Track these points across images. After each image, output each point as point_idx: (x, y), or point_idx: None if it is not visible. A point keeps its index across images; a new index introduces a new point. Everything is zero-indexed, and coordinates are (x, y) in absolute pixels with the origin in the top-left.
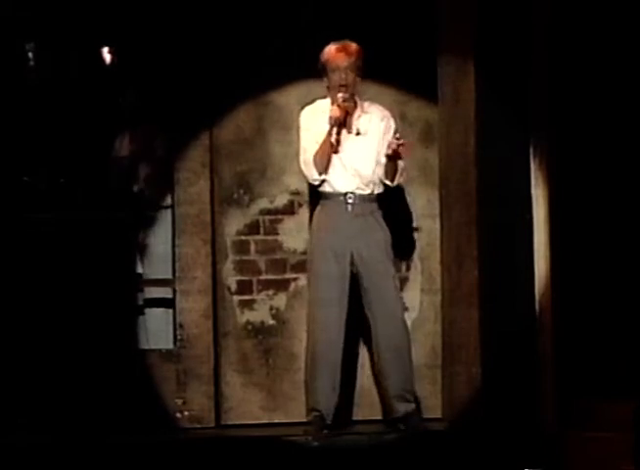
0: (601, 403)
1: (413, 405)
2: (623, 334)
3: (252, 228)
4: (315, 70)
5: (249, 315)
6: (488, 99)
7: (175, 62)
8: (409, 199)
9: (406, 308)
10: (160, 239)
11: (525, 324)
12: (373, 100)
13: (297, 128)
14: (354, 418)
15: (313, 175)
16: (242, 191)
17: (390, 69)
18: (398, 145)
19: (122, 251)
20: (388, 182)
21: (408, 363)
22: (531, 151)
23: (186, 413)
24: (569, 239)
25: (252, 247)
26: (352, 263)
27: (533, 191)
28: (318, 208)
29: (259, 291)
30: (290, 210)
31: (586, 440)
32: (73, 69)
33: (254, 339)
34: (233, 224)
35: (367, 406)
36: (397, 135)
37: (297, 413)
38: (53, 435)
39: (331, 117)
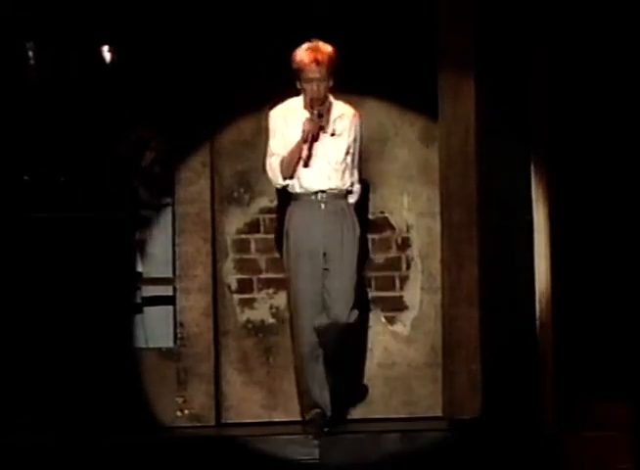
0: (601, 403)
1: (319, 411)
2: (623, 334)
3: (253, 227)
4: None
5: (249, 314)
6: (489, 100)
7: (176, 61)
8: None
9: (406, 307)
10: (160, 238)
11: (525, 324)
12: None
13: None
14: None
15: (278, 180)
16: (242, 190)
17: (391, 79)
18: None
19: (122, 250)
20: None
21: (339, 362)
22: (532, 152)
23: (186, 412)
24: (569, 240)
25: (253, 245)
26: (325, 261)
27: (534, 192)
28: (290, 208)
29: (260, 289)
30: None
31: (586, 439)
32: (74, 68)
33: (255, 337)
34: (233, 223)
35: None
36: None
37: (298, 411)
38: (53, 435)
39: (304, 131)
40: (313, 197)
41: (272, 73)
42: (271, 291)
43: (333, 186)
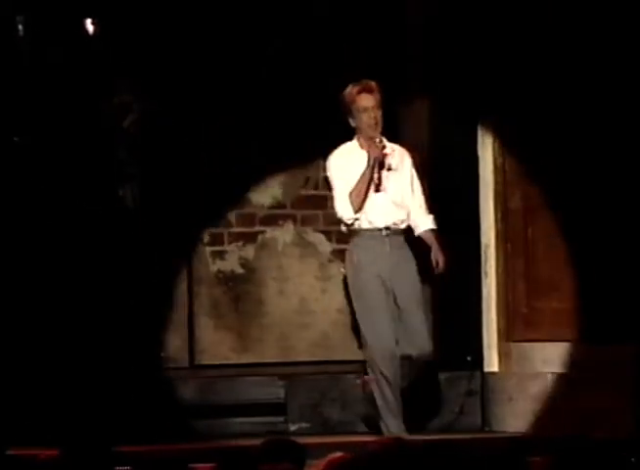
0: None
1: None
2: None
3: None
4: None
5: (219, 265)
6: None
7: (161, 42)
8: None
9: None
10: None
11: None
12: None
13: (328, 177)
14: None
15: (350, 214)
16: None
17: None
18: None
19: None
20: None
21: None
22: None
23: (162, 354)
24: None
25: None
26: (395, 298)
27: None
28: (354, 243)
29: (229, 242)
30: None
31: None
32: (58, 47)
33: (225, 286)
34: None
35: None
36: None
37: (266, 354)
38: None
39: (370, 156)
40: (378, 232)
41: (272, 72)
42: (240, 244)
43: (396, 221)
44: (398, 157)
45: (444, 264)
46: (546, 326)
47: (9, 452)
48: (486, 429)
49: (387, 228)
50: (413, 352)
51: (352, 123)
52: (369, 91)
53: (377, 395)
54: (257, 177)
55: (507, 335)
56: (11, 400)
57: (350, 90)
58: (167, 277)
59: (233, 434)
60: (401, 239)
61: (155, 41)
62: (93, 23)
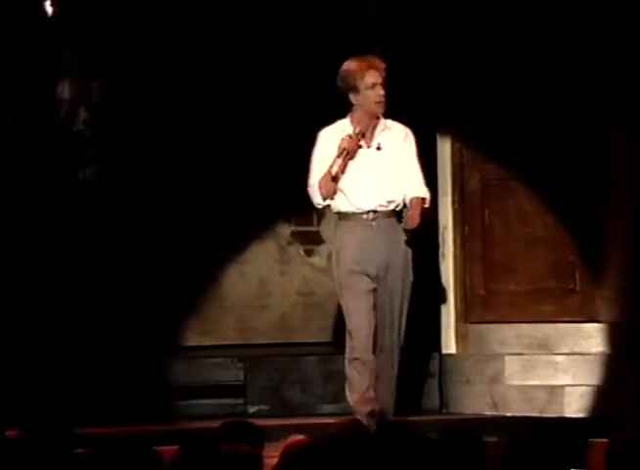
0: None
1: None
2: None
3: None
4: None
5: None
6: None
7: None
8: None
9: (322, 241)
10: None
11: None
12: None
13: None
14: None
15: (317, 200)
16: None
17: None
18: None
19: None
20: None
21: (389, 393)
22: None
23: None
24: None
25: None
26: (377, 281)
27: None
28: (339, 227)
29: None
30: None
31: None
32: (18, 19)
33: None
34: None
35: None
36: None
37: (225, 336)
38: None
39: (340, 147)
40: (364, 216)
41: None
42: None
43: (382, 203)
44: (394, 136)
45: (412, 221)
46: (503, 308)
47: None
48: (444, 410)
49: (373, 211)
50: (384, 340)
51: (354, 100)
52: (378, 68)
53: (348, 375)
54: (221, 161)
55: (465, 317)
56: None
57: (358, 65)
58: (127, 258)
59: (192, 416)
60: (390, 222)
61: (118, 22)
62: (52, 5)
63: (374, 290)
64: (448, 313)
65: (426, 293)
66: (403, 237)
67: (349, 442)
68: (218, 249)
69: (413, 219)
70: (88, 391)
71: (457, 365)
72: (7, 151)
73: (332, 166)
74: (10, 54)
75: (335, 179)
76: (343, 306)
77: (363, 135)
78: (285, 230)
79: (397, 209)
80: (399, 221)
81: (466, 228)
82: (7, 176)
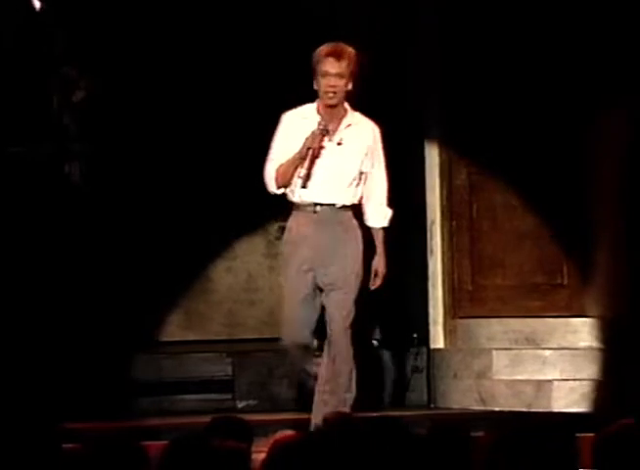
0: None
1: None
2: None
3: None
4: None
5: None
6: None
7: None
8: None
9: None
10: None
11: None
12: None
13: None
14: None
15: (272, 188)
16: None
17: None
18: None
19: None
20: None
21: (343, 382)
22: None
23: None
24: None
25: None
26: (320, 278)
27: None
28: (291, 218)
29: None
30: None
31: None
32: (5, 13)
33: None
34: None
35: None
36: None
37: (213, 331)
38: None
39: (304, 145)
40: (310, 208)
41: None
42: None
43: (335, 200)
44: (359, 132)
45: (381, 280)
46: (491, 303)
47: None
48: (432, 405)
49: (320, 205)
50: (330, 329)
51: (315, 86)
52: (337, 56)
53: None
54: (209, 156)
55: (452, 312)
56: None
57: (321, 51)
58: (114, 254)
59: (180, 411)
60: (339, 217)
61: (108, 18)
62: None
63: (316, 285)
64: (436, 308)
65: (413, 288)
66: (353, 232)
67: (337, 436)
68: (206, 244)
69: (382, 269)
70: (74, 387)
71: (445, 360)
72: None
73: (297, 164)
74: None
75: (303, 185)
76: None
77: (327, 131)
78: (273, 225)
79: (348, 204)
80: (349, 217)
81: (454, 223)
82: None
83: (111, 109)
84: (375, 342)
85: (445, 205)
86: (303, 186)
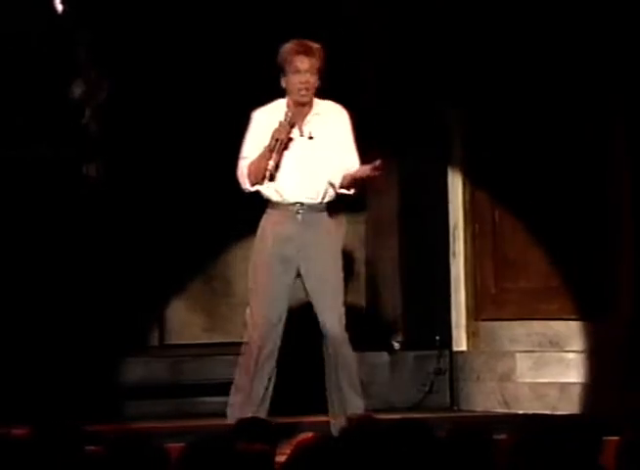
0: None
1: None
2: None
3: None
4: None
5: (189, 244)
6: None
7: (138, 24)
8: None
9: None
10: None
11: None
12: None
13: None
14: None
15: (245, 186)
16: None
17: None
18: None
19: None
20: (342, 191)
21: (356, 381)
22: None
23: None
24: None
25: None
26: (299, 276)
27: None
28: (265, 215)
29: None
30: None
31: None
32: (29, 15)
33: (195, 266)
34: None
35: None
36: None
37: (235, 333)
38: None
39: (272, 137)
40: (291, 207)
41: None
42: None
43: (317, 197)
44: (325, 119)
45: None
46: (513, 305)
47: None
48: (455, 408)
49: (300, 203)
50: (325, 330)
51: (283, 83)
52: (307, 53)
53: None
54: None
55: (475, 314)
56: None
57: (289, 48)
58: (136, 255)
59: (202, 413)
60: (319, 215)
61: (128, 20)
62: (62, 2)
63: (289, 287)
64: (459, 311)
65: (436, 290)
66: (333, 231)
67: (360, 438)
68: (229, 246)
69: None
70: (94, 388)
71: (468, 362)
72: (15, 148)
73: (267, 161)
74: (20, 53)
75: (271, 177)
76: (250, 299)
77: (294, 124)
78: None
79: (326, 201)
80: (329, 215)
81: (476, 226)
82: (14, 173)
83: (130, 109)
84: (397, 344)
85: (468, 208)
86: (271, 179)
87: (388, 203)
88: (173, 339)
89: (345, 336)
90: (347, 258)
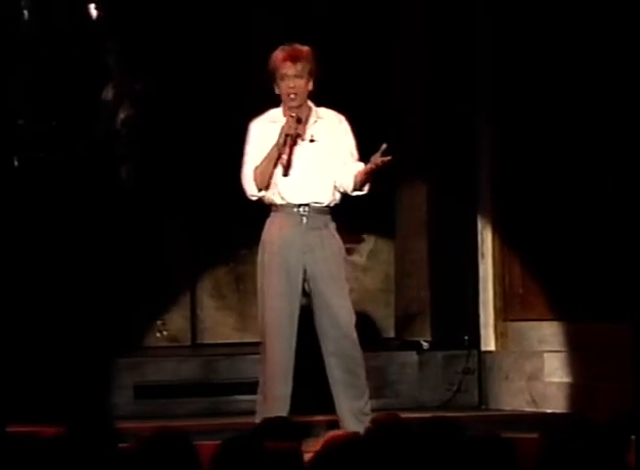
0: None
1: (365, 426)
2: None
3: None
4: None
5: (221, 245)
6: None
7: (165, 28)
8: None
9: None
10: None
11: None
12: None
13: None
14: None
15: (252, 191)
16: None
17: None
18: (383, 162)
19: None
20: (356, 193)
21: (361, 383)
22: None
23: (165, 333)
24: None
25: None
26: (305, 280)
27: None
28: (269, 219)
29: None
30: None
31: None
32: (62, 19)
33: (226, 267)
34: None
35: None
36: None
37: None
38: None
39: (281, 134)
40: (295, 210)
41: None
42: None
43: (320, 199)
44: (328, 125)
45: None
46: (542, 305)
47: (8, 430)
48: (483, 407)
49: (304, 206)
50: (334, 330)
51: (276, 90)
52: (293, 59)
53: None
54: None
55: (504, 314)
56: (10, 378)
57: (276, 55)
58: (169, 257)
59: (234, 412)
60: (324, 218)
61: (159, 26)
62: (97, 8)
63: (304, 290)
64: (487, 311)
65: (465, 291)
66: (337, 234)
67: (388, 437)
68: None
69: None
70: (127, 386)
71: (496, 362)
72: (49, 150)
73: (276, 157)
74: (55, 57)
75: (284, 172)
76: (259, 306)
77: (300, 119)
78: None
79: (331, 204)
80: (333, 219)
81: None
82: (45, 175)
83: (161, 113)
84: (426, 344)
85: (496, 212)
86: (285, 174)
87: (418, 204)
88: (206, 338)
89: (357, 337)
90: (377, 260)
